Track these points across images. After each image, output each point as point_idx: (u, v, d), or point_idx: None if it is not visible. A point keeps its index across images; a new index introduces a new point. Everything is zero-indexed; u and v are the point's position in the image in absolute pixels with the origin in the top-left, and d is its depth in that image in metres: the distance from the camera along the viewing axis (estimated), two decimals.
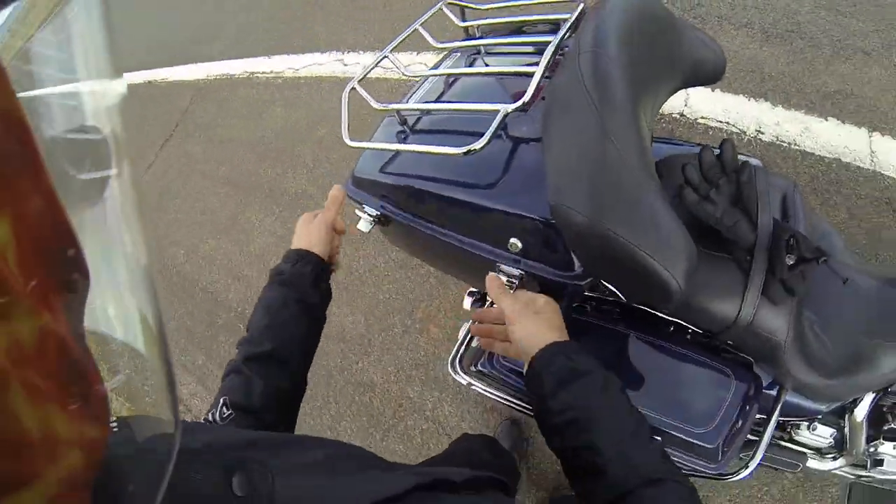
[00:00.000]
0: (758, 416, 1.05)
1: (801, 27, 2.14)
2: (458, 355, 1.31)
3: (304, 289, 0.90)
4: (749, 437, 1.06)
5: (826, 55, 2.06)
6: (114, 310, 0.27)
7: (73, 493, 0.22)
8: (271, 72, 3.58)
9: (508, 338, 0.80)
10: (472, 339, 1.33)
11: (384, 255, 2.39)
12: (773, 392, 1.07)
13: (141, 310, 0.28)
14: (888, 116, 1.92)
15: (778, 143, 1.93)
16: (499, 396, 1.24)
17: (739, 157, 1.04)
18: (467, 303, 1.35)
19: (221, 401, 0.77)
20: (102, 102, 0.27)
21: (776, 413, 1.05)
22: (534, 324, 0.76)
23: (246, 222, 2.87)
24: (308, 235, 0.96)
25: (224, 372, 0.85)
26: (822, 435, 1.26)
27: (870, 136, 1.89)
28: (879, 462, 1.28)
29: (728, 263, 0.93)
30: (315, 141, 2.94)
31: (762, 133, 1.96)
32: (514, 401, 1.21)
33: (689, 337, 1.08)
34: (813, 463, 1.28)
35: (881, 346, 0.97)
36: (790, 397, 1.09)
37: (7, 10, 0.24)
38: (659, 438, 0.99)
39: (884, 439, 1.25)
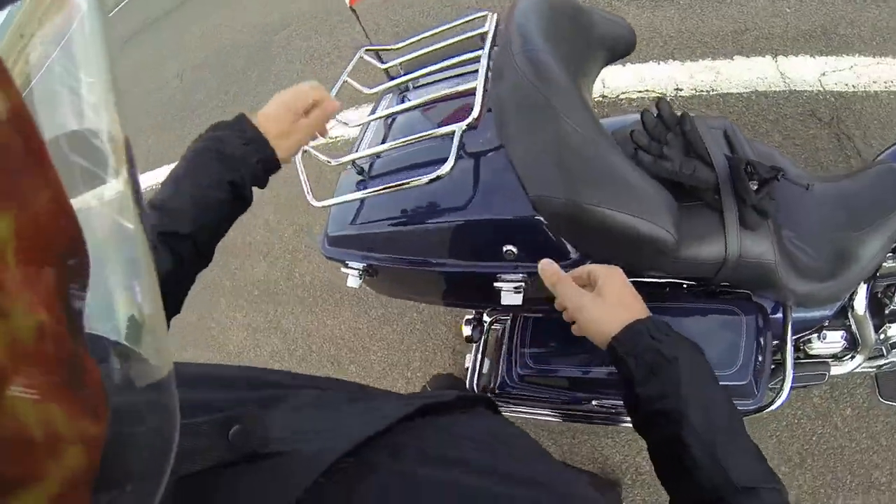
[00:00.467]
0: (773, 342, 1.09)
1: None
2: (473, 383, 1.31)
3: (242, 176, 0.79)
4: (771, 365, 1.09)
5: (712, 1, 2.20)
6: (112, 310, 0.27)
7: (75, 491, 0.22)
8: None
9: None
10: (482, 363, 1.33)
11: (364, 316, 2.37)
12: (780, 315, 1.11)
13: (141, 307, 0.28)
14: (784, 38, 2.06)
15: (698, 94, 2.03)
16: (526, 413, 1.24)
17: None
18: (467, 330, 1.34)
19: None
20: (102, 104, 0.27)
21: (790, 332, 1.09)
22: (599, 308, 0.71)
23: (215, 324, 2.82)
24: (273, 112, 0.83)
25: None
26: (834, 340, 1.31)
27: (775, 61, 2.02)
28: (894, 346, 1.35)
29: (699, 209, 0.97)
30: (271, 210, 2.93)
31: (681, 90, 2.06)
32: (541, 413, 1.22)
33: (686, 291, 1.11)
34: (835, 369, 1.32)
35: (856, 237, 1.03)
36: (795, 314, 1.13)
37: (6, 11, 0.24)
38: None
39: (889, 323, 1.31)
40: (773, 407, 1.05)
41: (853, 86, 1.90)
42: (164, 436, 0.29)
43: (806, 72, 1.97)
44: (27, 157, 0.20)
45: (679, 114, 1.00)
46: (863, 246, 1.03)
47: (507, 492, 0.43)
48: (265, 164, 0.81)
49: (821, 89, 1.92)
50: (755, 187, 0.93)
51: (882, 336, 1.33)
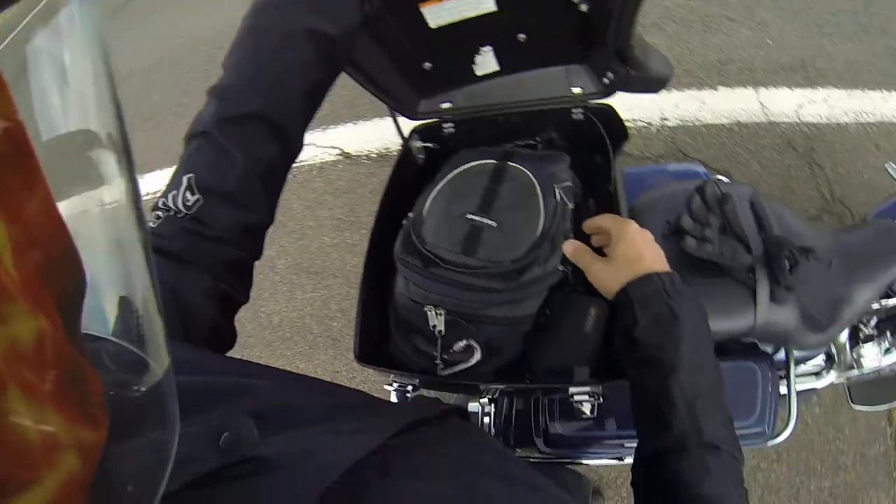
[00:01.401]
0: None
1: (669, 12, 2.43)
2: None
3: (328, 11, 0.63)
4: None
5: (698, 31, 2.36)
6: (111, 313, 0.27)
7: (71, 496, 0.22)
8: None
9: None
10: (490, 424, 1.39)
11: (342, 358, 2.25)
12: (782, 355, 1.31)
13: (139, 310, 0.28)
14: (765, 70, 2.26)
15: (683, 124, 2.21)
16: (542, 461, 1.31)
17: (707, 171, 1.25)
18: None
19: (185, 180, 0.59)
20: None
21: (793, 371, 1.28)
22: (605, 271, 0.73)
23: None
24: None
25: (187, 134, 0.63)
26: (817, 362, 1.53)
27: (756, 92, 2.21)
28: (861, 360, 1.59)
29: (729, 284, 1.13)
30: None
31: (666, 119, 2.23)
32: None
33: None
34: (814, 384, 1.55)
35: (852, 286, 1.20)
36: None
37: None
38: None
39: (862, 343, 1.55)
40: (782, 438, 1.24)
41: (826, 117, 2.13)
42: (164, 440, 0.29)
43: (784, 104, 2.18)
44: (17, 164, 0.20)
45: (721, 194, 1.14)
46: (857, 294, 1.20)
47: (510, 491, 0.44)
48: None
49: (797, 121, 2.14)
50: (788, 267, 1.09)
51: (855, 355, 1.57)
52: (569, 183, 1.00)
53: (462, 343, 0.91)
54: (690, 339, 0.64)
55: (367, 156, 2.39)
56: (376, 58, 0.98)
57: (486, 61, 1.07)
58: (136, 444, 0.28)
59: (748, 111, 2.17)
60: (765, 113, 2.16)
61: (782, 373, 1.29)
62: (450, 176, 0.96)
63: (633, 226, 0.76)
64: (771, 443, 1.22)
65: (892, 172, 1.59)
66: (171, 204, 0.58)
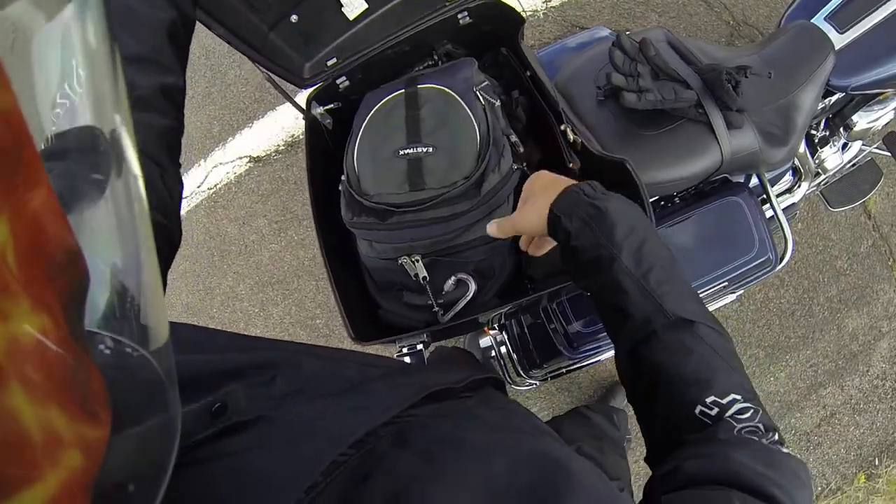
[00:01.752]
0: None
1: None
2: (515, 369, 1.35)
3: None
4: None
5: None
6: (113, 310, 0.27)
7: (73, 494, 0.22)
8: None
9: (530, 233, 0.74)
10: (509, 352, 1.38)
11: None
12: (757, 182, 1.28)
13: (141, 309, 0.28)
14: None
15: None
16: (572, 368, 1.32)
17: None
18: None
19: None
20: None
21: (772, 193, 1.26)
22: (526, 209, 0.70)
23: None
24: None
25: None
26: (786, 180, 1.52)
27: None
28: (824, 165, 1.59)
29: (683, 127, 1.08)
30: None
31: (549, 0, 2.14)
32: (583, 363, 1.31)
33: (678, 200, 1.24)
34: (792, 200, 1.55)
35: (793, 92, 1.17)
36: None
37: None
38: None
39: (820, 148, 1.54)
40: (786, 259, 1.22)
41: None
42: (166, 431, 0.29)
43: None
44: (18, 159, 0.20)
45: (639, 41, 1.08)
46: (802, 101, 1.19)
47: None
48: None
49: None
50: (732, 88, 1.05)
51: (816, 161, 1.57)
52: (485, 82, 0.92)
53: (452, 280, 0.85)
54: (624, 224, 0.62)
55: (276, 151, 2.27)
56: (249, 23, 0.92)
57: (352, 1, 0.99)
58: (137, 435, 0.27)
59: None
60: None
61: (762, 199, 1.26)
62: (365, 121, 0.88)
63: (540, 172, 0.73)
64: (779, 266, 1.20)
65: None
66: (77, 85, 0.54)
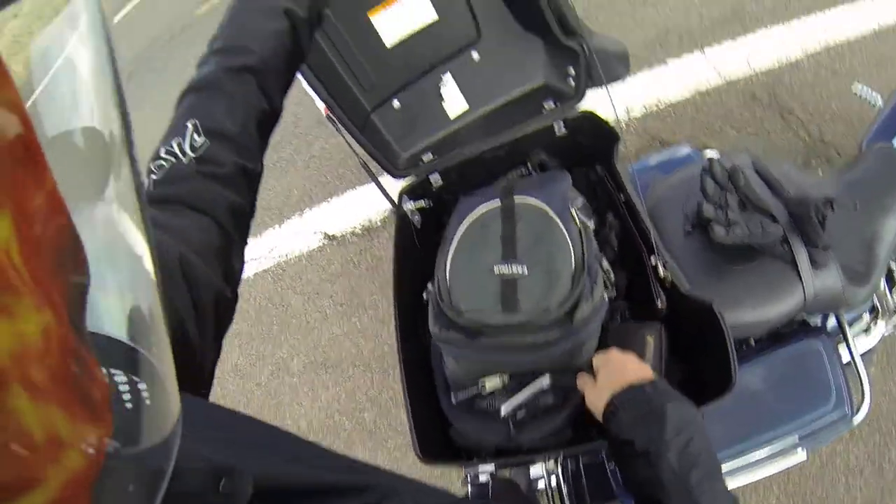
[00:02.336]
0: None
1: (591, 2, 2.39)
2: None
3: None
4: None
5: (627, 11, 2.34)
6: (114, 308, 0.27)
7: (74, 494, 0.21)
8: None
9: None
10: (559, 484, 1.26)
11: (382, 447, 2.06)
12: (835, 323, 1.20)
13: (141, 308, 0.28)
14: (702, 30, 2.23)
15: (648, 110, 2.13)
16: None
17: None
18: None
19: (191, 125, 0.61)
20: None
21: (851, 339, 1.17)
22: (590, 392, 0.76)
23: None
24: None
25: (182, 93, 0.68)
26: (863, 319, 1.43)
27: (703, 55, 2.16)
28: None
29: (769, 263, 1.03)
30: None
31: (631, 110, 2.15)
32: None
33: (753, 345, 1.16)
34: (869, 342, 1.45)
35: (876, 221, 1.11)
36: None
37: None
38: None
39: None
40: (862, 414, 1.12)
41: (776, 60, 2.09)
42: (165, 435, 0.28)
43: (734, 58, 2.13)
44: (23, 157, 0.20)
45: (729, 169, 1.05)
46: (886, 232, 1.11)
47: None
48: None
49: (752, 72, 2.09)
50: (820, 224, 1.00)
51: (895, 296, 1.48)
52: (580, 199, 0.91)
53: (527, 394, 0.84)
54: (676, 421, 0.66)
55: (351, 233, 2.22)
56: (352, 98, 0.97)
57: (451, 96, 1.02)
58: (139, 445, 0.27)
59: (703, 77, 2.11)
60: (719, 74, 2.10)
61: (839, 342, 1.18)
62: (460, 231, 0.88)
63: (612, 351, 0.79)
64: (855, 421, 1.11)
65: (859, 93, 1.53)
66: (175, 150, 0.60)
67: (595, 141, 1.01)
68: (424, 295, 0.91)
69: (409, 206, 1.03)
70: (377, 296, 2.08)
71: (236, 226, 0.65)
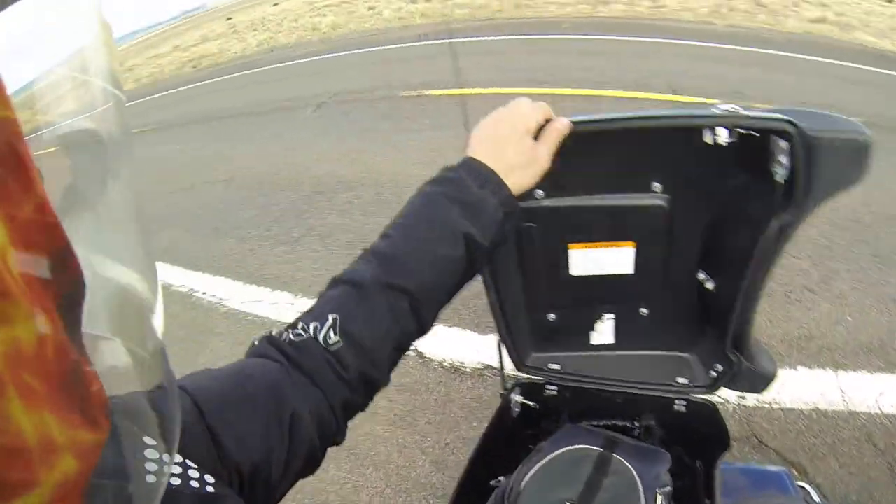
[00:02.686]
0: None
1: None
2: None
3: (482, 223, 0.68)
4: None
5: (780, 302, 2.39)
6: (110, 315, 0.28)
7: (67, 498, 0.22)
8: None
9: None
10: None
11: None
12: None
13: (136, 314, 0.28)
14: (845, 350, 2.23)
15: (760, 405, 2.12)
16: None
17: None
18: None
19: (331, 319, 0.62)
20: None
21: None
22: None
23: None
24: (497, 137, 0.72)
25: (337, 277, 0.67)
26: None
27: (836, 375, 2.16)
28: None
29: None
30: None
31: (744, 398, 2.15)
32: None
33: None
34: None
35: None
36: None
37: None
38: None
39: None
40: None
41: None
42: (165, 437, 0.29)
43: (864, 391, 2.11)
44: (12, 165, 0.20)
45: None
46: None
47: None
48: (505, 205, 0.70)
49: (878, 411, 2.05)
50: None
51: None
52: (669, 488, 0.96)
53: None
54: None
55: (440, 363, 2.30)
56: (510, 290, 1.02)
57: (603, 330, 1.11)
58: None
59: (827, 397, 2.10)
60: (844, 400, 2.08)
61: None
62: (552, 455, 0.96)
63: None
64: None
65: None
66: (312, 333, 0.62)
67: (705, 435, 1.06)
68: (492, 482, 0.96)
69: (517, 397, 1.11)
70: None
71: (345, 417, 0.67)
